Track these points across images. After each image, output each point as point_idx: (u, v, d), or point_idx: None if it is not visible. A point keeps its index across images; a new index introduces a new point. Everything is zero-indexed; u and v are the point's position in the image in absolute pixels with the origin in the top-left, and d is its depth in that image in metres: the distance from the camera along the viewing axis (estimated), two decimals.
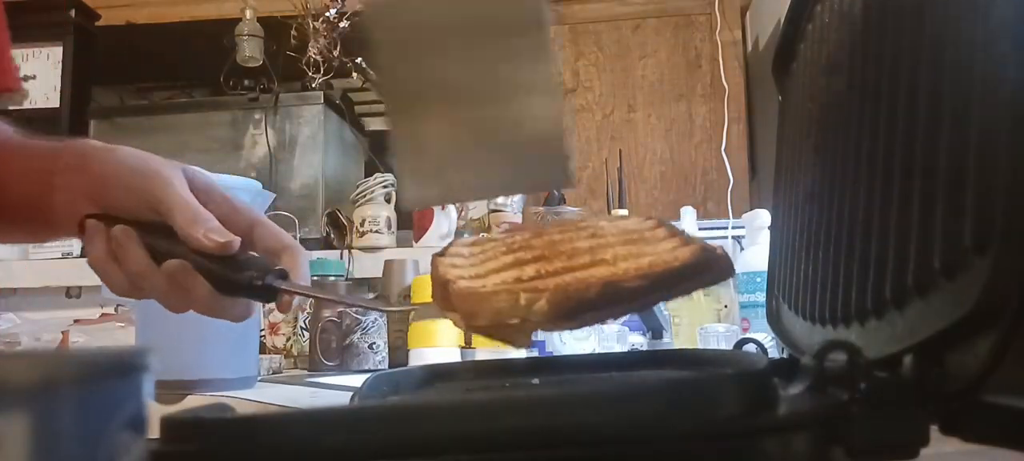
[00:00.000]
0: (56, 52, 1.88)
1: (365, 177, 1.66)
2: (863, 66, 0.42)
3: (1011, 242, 0.28)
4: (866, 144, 0.41)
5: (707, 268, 0.36)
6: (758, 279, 1.27)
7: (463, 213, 1.63)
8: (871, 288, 0.37)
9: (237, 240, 0.50)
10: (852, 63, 0.44)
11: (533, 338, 1.46)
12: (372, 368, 1.24)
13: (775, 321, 0.54)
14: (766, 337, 0.58)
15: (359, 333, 1.26)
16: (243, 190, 0.96)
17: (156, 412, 0.25)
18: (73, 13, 1.88)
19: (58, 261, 1.64)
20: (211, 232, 0.49)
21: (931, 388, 0.31)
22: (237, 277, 0.50)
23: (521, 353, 1.23)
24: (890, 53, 0.39)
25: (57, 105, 1.86)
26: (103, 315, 1.47)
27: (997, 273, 0.28)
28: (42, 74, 1.87)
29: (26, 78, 1.85)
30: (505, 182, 0.41)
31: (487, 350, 1.28)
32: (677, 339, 1.29)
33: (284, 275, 0.51)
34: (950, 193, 0.31)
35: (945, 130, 0.32)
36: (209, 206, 0.51)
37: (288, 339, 1.42)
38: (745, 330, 1.24)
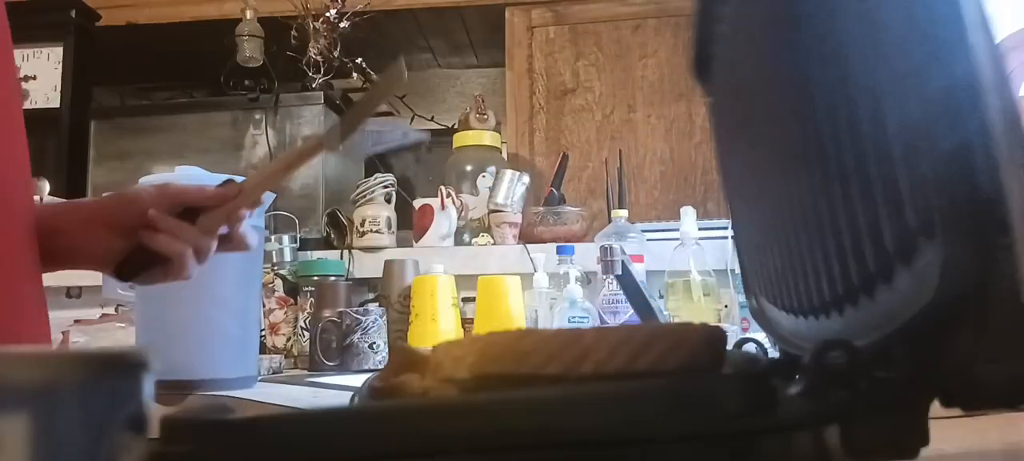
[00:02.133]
0: (57, 52, 1.88)
1: (365, 177, 1.66)
2: (782, 60, 0.42)
3: (953, 224, 0.27)
4: (797, 137, 0.40)
5: None
6: None
7: (463, 214, 1.63)
8: (839, 277, 0.37)
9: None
10: (771, 58, 0.43)
11: None
12: (372, 368, 1.24)
13: (760, 317, 0.53)
14: (766, 337, 0.57)
15: (359, 333, 1.26)
16: None
17: (156, 412, 0.25)
18: (74, 13, 1.88)
19: None
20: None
21: (929, 386, 0.31)
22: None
23: None
24: (808, 46, 0.38)
25: (58, 105, 1.85)
26: (103, 315, 1.47)
27: (950, 254, 0.27)
28: (43, 74, 1.87)
29: (27, 78, 1.85)
30: None
31: None
32: None
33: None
34: (886, 180, 0.31)
35: (868, 118, 0.32)
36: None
37: (288, 339, 1.42)
38: (745, 330, 1.24)
